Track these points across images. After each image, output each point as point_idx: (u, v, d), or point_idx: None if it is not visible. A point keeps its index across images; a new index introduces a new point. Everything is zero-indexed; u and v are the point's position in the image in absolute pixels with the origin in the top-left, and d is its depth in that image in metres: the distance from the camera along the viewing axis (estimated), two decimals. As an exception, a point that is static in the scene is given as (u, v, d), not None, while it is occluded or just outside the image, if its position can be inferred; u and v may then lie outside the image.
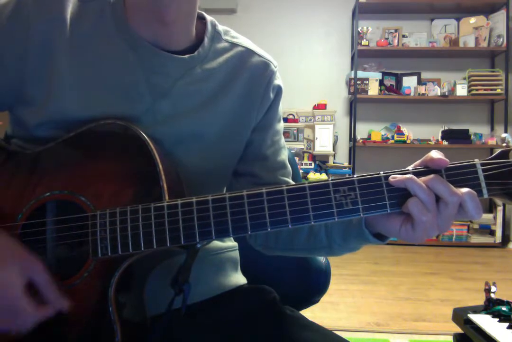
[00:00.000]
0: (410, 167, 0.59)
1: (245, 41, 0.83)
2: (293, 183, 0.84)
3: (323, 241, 0.72)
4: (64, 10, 0.71)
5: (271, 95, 0.82)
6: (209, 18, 0.81)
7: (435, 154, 0.57)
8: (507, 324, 1.22)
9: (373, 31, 4.47)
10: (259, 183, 0.81)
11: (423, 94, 4.34)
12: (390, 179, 0.57)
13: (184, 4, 0.71)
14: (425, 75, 4.48)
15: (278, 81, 0.84)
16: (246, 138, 0.81)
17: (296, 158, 4.01)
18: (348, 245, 0.70)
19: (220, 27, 0.81)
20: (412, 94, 4.38)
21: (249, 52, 0.81)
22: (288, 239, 0.78)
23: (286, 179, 0.84)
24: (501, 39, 4.22)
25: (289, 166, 0.86)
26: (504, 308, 1.30)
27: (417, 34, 4.43)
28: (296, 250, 0.79)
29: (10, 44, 0.69)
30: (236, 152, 0.81)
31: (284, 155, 0.85)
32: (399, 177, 0.56)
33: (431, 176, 0.56)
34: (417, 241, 0.58)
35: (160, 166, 0.62)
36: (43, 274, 0.60)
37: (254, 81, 0.80)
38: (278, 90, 0.84)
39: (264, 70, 0.82)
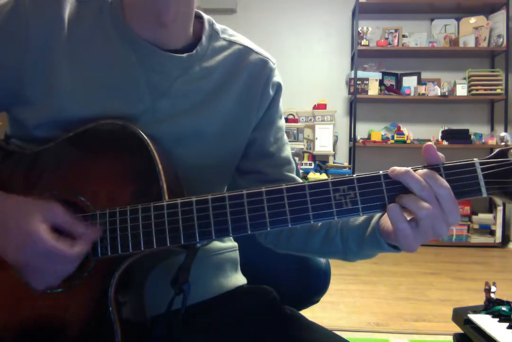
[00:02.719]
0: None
1: (243, 39, 0.83)
2: (299, 178, 0.84)
3: (338, 246, 0.72)
4: (62, 10, 0.70)
5: (271, 92, 0.82)
6: (206, 17, 0.81)
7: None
8: (507, 324, 1.22)
9: (373, 31, 4.47)
10: (266, 179, 0.81)
11: (423, 94, 4.34)
12: (390, 172, 0.57)
13: (182, 4, 0.71)
14: (425, 75, 4.48)
15: (277, 78, 0.84)
16: (246, 136, 0.81)
17: (296, 158, 4.01)
18: (363, 251, 0.70)
19: (218, 26, 0.81)
20: (412, 94, 4.38)
21: (247, 50, 0.81)
22: (302, 241, 0.77)
23: (292, 174, 0.84)
24: (501, 39, 4.22)
25: (293, 162, 0.86)
26: (504, 308, 1.30)
27: (417, 34, 4.43)
28: (309, 252, 0.80)
29: (8, 45, 0.69)
30: (236, 150, 0.81)
31: (288, 151, 0.86)
32: (397, 169, 0.56)
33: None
34: (405, 249, 0.58)
35: (160, 166, 0.62)
36: (63, 214, 0.60)
37: (253, 79, 0.80)
38: (278, 87, 0.84)
39: (263, 68, 0.82)
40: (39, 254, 0.57)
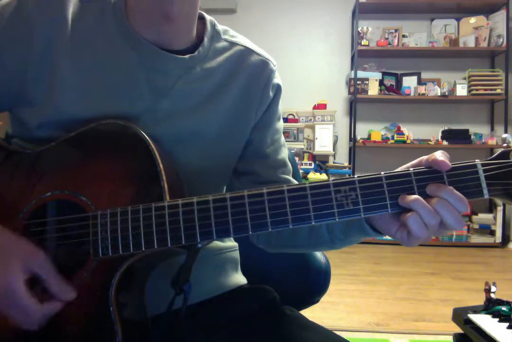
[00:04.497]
0: (410, 165, 0.60)
1: (244, 40, 0.83)
2: (294, 180, 0.85)
3: (325, 236, 0.73)
4: (65, 10, 0.71)
5: (271, 94, 0.82)
6: (208, 17, 0.81)
7: (439, 155, 0.57)
8: (507, 324, 1.22)
9: (373, 31, 4.47)
10: (260, 181, 0.81)
11: (423, 94, 4.34)
12: (399, 199, 0.57)
13: (186, 3, 0.72)
14: (425, 75, 4.48)
15: (277, 79, 0.84)
16: (246, 137, 0.81)
17: (296, 158, 4.01)
18: (348, 238, 0.71)
19: (219, 27, 0.81)
20: (412, 94, 4.37)
21: (248, 51, 0.82)
22: (289, 236, 0.78)
23: (287, 176, 0.84)
24: (501, 39, 4.22)
25: (289, 164, 0.86)
26: (504, 308, 1.30)
27: (417, 34, 4.43)
28: (298, 246, 0.80)
29: (11, 45, 0.69)
30: (235, 151, 0.81)
31: (284, 154, 0.86)
32: (406, 197, 0.56)
33: (439, 199, 0.56)
34: (409, 246, 0.59)
35: (161, 166, 0.62)
36: (45, 267, 0.59)
37: (253, 80, 0.80)
38: (278, 89, 0.84)
39: (263, 69, 0.82)
40: (10, 305, 0.58)
